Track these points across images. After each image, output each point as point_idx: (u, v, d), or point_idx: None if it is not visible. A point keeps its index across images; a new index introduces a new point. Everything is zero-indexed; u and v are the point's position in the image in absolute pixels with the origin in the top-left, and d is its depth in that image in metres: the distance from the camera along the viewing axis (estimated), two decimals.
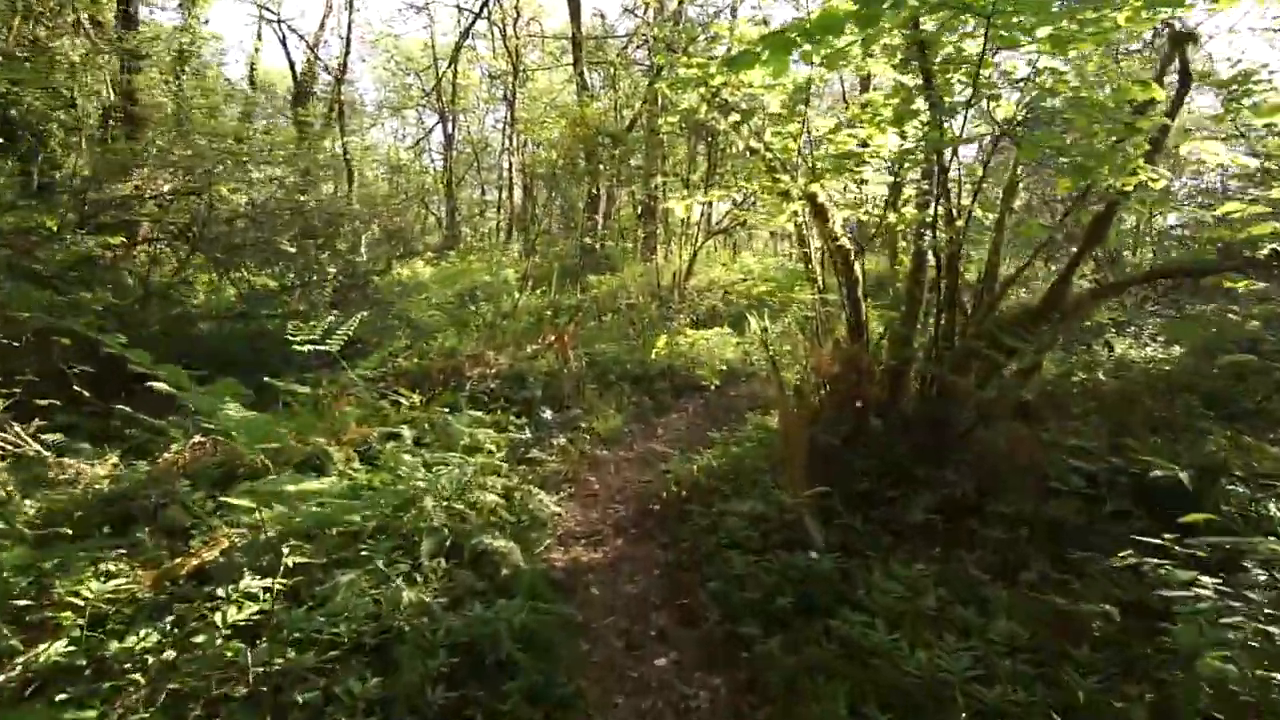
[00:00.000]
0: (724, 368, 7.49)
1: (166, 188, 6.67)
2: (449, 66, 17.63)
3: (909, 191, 4.52)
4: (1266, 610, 1.85)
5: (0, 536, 2.69)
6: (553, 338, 7.02)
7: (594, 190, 14.14)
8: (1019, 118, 3.52)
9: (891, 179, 4.53)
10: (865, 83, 10.61)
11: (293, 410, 4.38)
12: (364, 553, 2.86)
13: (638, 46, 16.15)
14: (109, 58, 8.93)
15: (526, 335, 7.61)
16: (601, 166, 13.41)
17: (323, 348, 4.29)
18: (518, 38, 17.33)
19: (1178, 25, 3.80)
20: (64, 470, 3.38)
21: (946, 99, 3.57)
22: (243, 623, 2.36)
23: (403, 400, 4.92)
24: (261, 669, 2.14)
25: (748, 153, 5.01)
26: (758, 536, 3.41)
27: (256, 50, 17.37)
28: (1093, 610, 2.56)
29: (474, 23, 15.99)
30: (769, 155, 4.55)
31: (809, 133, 4.34)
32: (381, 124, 25.67)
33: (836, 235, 4.27)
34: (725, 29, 5.87)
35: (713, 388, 7.03)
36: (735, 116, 4.62)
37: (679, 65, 4.63)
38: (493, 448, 4.41)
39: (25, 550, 2.55)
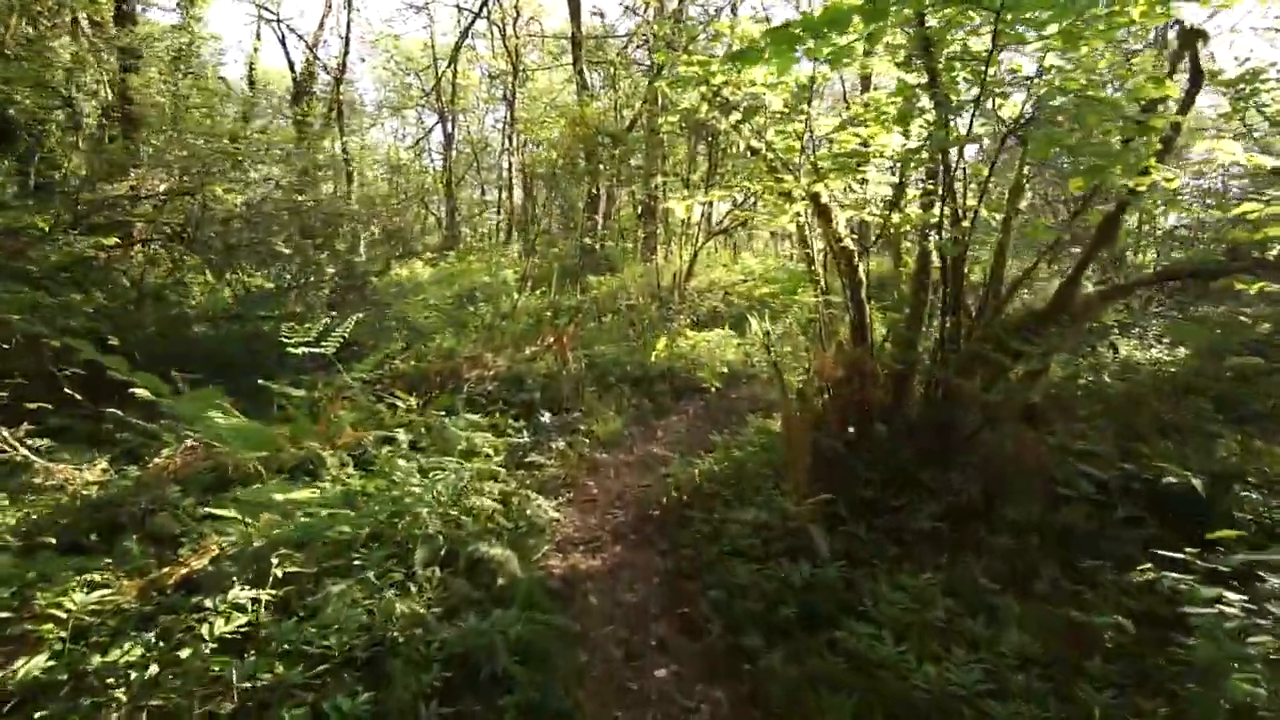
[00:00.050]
0: (725, 370, 7.42)
1: (162, 188, 6.61)
2: (448, 66, 17.57)
3: (913, 192, 4.45)
4: None
5: None
6: (552, 339, 6.95)
7: (594, 190, 14.08)
8: (1027, 116, 3.44)
9: (895, 179, 4.46)
10: (866, 83, 10.55)
11: (287, 413, 4.31)
12: (357, 561, 2.78)
13: (638, 46, 16.09)
14: (107, 57, 8.87)
15: (525, 337, 7.54)
16: (601, 166, 13.35)
17: (318, 350, 4.23)
18: (517, 37, 17.27)
19: (1187, 23, 3.73)
20: (51, 476, 3.30)
21: (952, 97, 3.50)
22: (230, 635, 2.29)
23: (399, 403, 4.85)
24: (248, 684, 2.07)
25: (749, 152, 4.94)
26: (760, 544, 3.34)
27: (255, 50, 17.32)
28: (1106, 622, 2.49)
29: (473, 22, 15.93)
30: (771, 155, 4.48)
31: (811, 132, 4.27)
32: (381, 124, 25.61)
33: (840, 236, 4.20)
34: (726, 27, 5.79)
35: (713, 390, 6.96)
36: (736, 115, 4.55)
37: (679, 64, 4.57)
38: (490, 451, 4.34)
39: (8, 560, 2.48)
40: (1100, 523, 3.35)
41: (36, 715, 1.95)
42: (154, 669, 2.10)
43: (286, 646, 2.29)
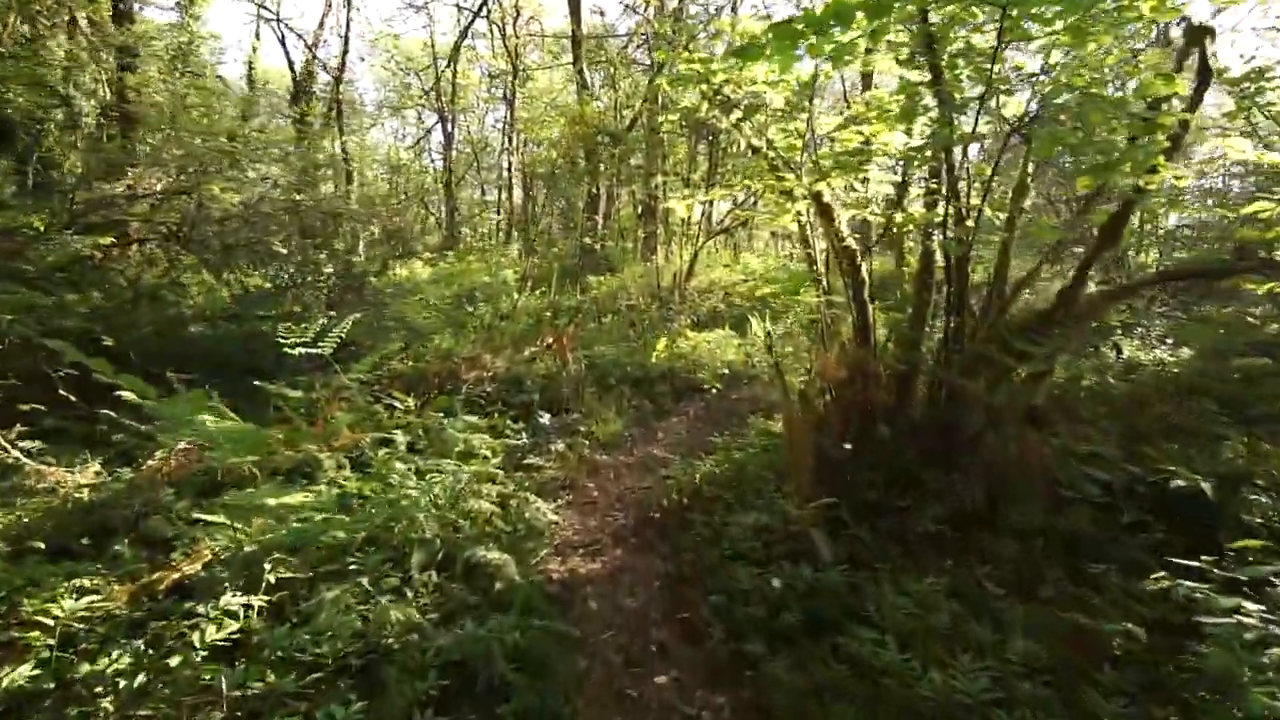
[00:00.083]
0: (725, 370, 7.37)
1: (158, 187, 6.57)
2: (448, 66, 17.55)
3: (916, 190, 4.40)
4: None
5: None
6: (551, 340, 6.90)
7: (594, 190, 14.04)
8: (1032, 114, 3.40)
9: (898, 178, 4.41)
10: (867, 83, 10.51)
11: (284, 415, 4.27)
12: (352, 566, 2.74)
13: (638, 46, 16.05)
14: (106, 57, 8.83)
15: (525, 337, 7.49)
16: (601, 166, 13.31)
17: (315, 350, 4.18)
18: (517, 37, 17.23)
19: (1194, 19, 3.68)
20: (43, 478, 3.26)
21: (956, 95, 3.45)
22: (221, 642, 2.25)
23: (397, 404, 4.81)
24: (238, 693, 2.03)
25: (750, 151, 4.90)
26: (761, 548, 3.29)
27: (255, 50, 17.29)
28: (1115, 629, 2.44)
29: (473, 21, 15.92)
30: (772, 154, 4.43)
31: (813, 131, 4.22)
32: (381, 124, 25.58)
33: (842, 235, 4.15)
34: (727, 25, 5.74)
35: (714, 391, 6.91)
36: (737, 114, 4.51)
37: (680, 62, 4.52)
38: (488, 453, 4.30)
39: None
40: (1106, 526, 3.31)
41: None
42: (143, 677, 2.06)
43: (279, 654, 2.24)
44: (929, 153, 3.74)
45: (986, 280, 4.54)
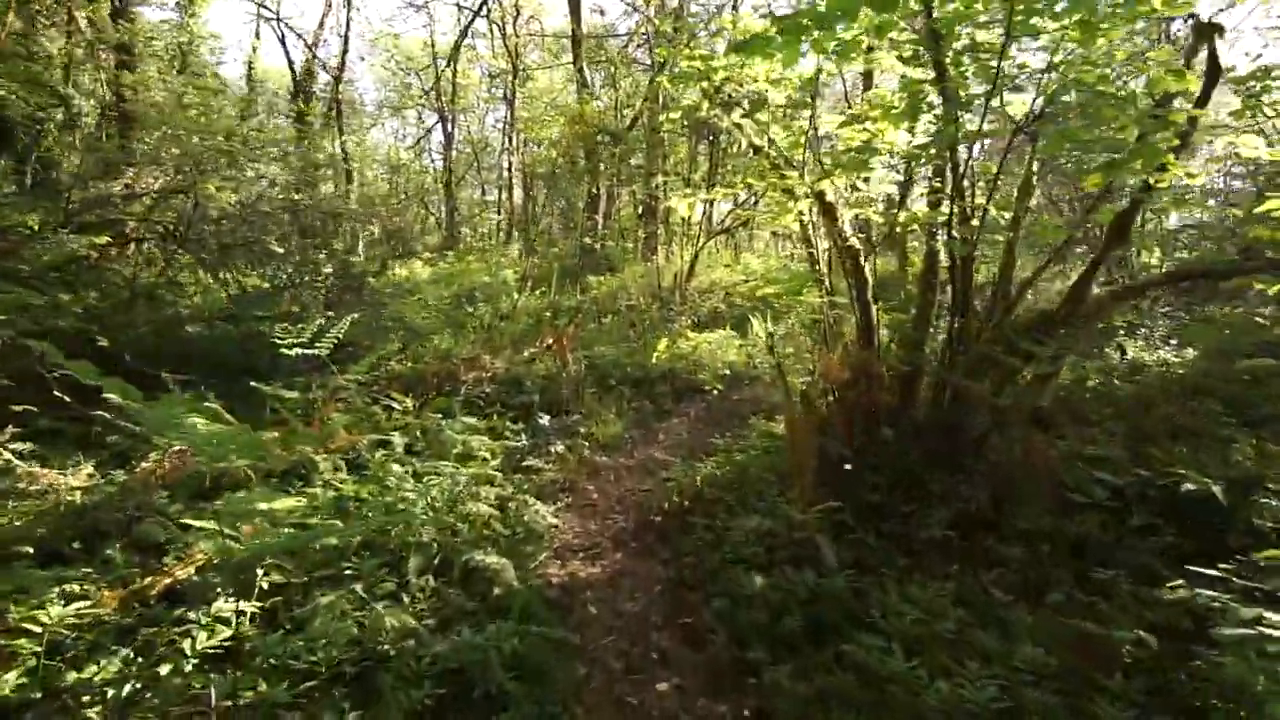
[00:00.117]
0: (726, 371, 7.33)
1: (156, 186, 6.52)
2: (448, 65, 17.51)
3: (919, 190, 4.35)
4: None
5: None
6: (551, 340, 6.85)
7: (594, 190, 13.99)
8: (1039, 111, 3.35)
9: (902, 177, 4.36)
10: (868, 83, 10.46)
11: (280, 416, 4.22)
12: (347, 571, 2.69)
13: (638, 45, 16.01)
14: (105, 56, 8.79)
15: (524, 338, 7.44)
16: (602, 166, 13.26)
17: (311, 351, 4.13)
18: (517, 36, 17.18)
19: (1203, 16, 3.63)
20: (35, 481, 3.21)
21: (962, 92, 3.41)
22: (213, 649, 2.20)
23: (395, 405, 4.76)
24: (228, 702, 1.98)
25: (751, 151, 4.85)
26: (764, 552, 3.24)
27: (254, 49, 17.25)
28: (1125, 636, 2.39)
29: (473, 21, 15.89)
30: (774, 152, 4.38)
31: (816, 129, 4.17)
32: (381, 124, 25.56)
33: (845, 234, 4.10)
34: (729, 23, 5.70)
35: (715, 392, 6.86)
36: (739, 113, 4.46)
37: (681, 59, 4.48)
38: (487, 455, 4.24)
39: None
40: (1114, 531, 3.26)
41: None
42: (131, 686, 2.01)
43: (272, 661, 2.19)
44: (933, 151, 3.70)
45: (990, 280, 4.50)
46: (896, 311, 4.53)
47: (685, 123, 11.25)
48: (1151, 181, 2.94)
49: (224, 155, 6.80)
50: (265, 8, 15.90)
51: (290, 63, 16.80)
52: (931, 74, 3.51)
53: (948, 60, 3.38)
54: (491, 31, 18.14)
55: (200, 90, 8.98)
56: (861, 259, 4.16)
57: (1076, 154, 4.24)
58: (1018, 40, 3.11)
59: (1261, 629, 1.74)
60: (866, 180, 4.32)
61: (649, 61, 14.70)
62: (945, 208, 3.78)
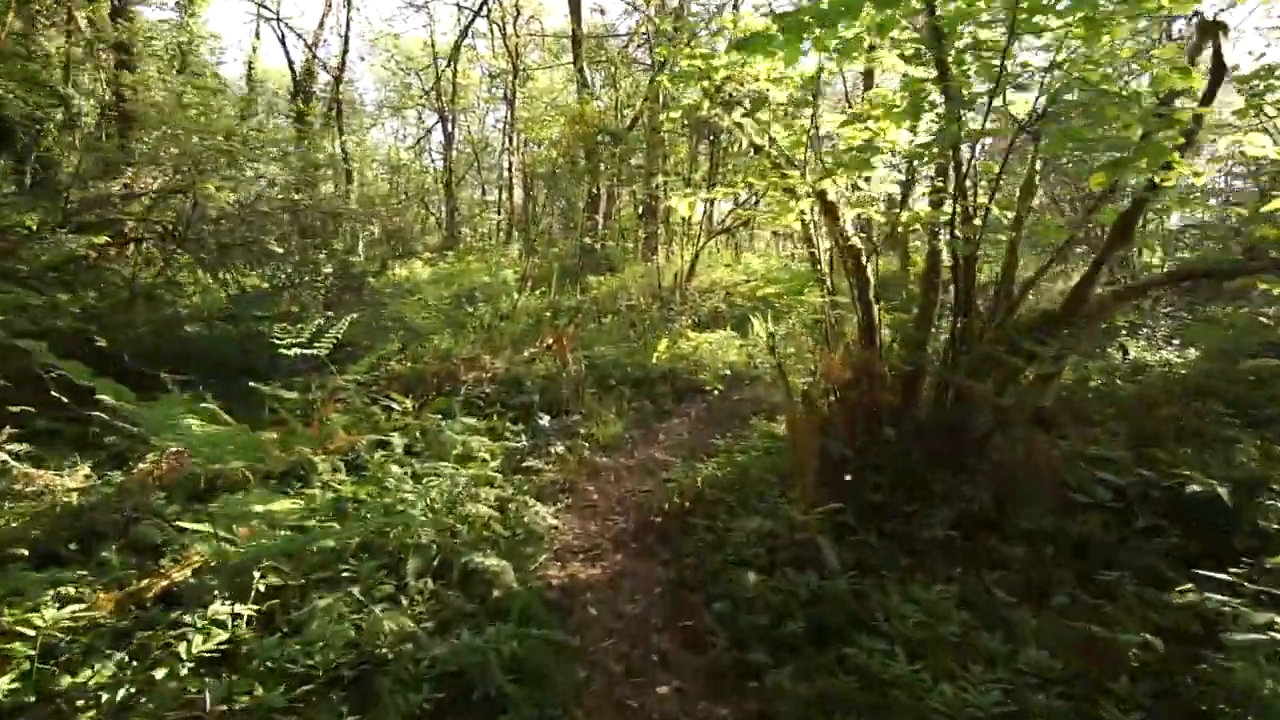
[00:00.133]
0: (727, 371, 7.30)
1: (155, 185, 6.50)
2: (448, 65, 17.50)
3: (921, 189, 4.33)
4: None
5: None
6: (551, 340, 6.83)
7: (594, 190, 13.97)
8: (1042, 110, 3.32)
9: (904, 176, 4.34)
10: (868, 83, 10.44)
11: (279, 417, 4.20)
12: (345, 573, 2.66)
13: (639, 45, 15.99)
14: (105, 56, 8.77)
15: (524, 338, 7.42)
16: (602, 165, 13.24)
17: (310, 351, 4.11)
18: (518, 36, 17.16)
19: (1208, 14, 3.61)
20: (32, 482, 3.19)
21: (965, 91, 3.38)
22: (209, 653, 2.17)
23: (394, 406, 4.74)
24: (224, 707, 1.95)
25: (752, 150, 4.82)
26: (765, 553, 3.22)
27: (254, 49, 17.24)
28: (1131, 639, 2.37)
29: (473, 21, 15.88)
30: (775, 152, 4.36)
31: (817, 128, 4.15)
32: (382, 124, 25.55)
33: (847, 234, 4.08)
34: (730, 21, 5.68)
35: (716, 392, 6.84)
36: (739, 112, 4.44)
37: (681, 57, 4.45)
38: (487, 456, 4.22)
39: None
40: (1118, 533, 3.23)
41: None
42: (126, 691, 1.99)
43: (269, 665, 2.17)
44: (936, 150, 3.67)
45: (993, 280, 4.47)
46: (898, 311, 4.50)
47: (686, 121, 11.23)
48: (1157, 180, 2.91)
49: (223, 155, 6.78)
50: (265, 8, 15.90)
51: (290, 63, 16.79)
52: (933, 73, 3.49)
53: (950, 59, 3.36)
54: (492, 31, 18.15)
55: (200, 90, 8.96)
56: (863, 258, 4.14)
57: (1078, 154, 4.22)
58: (1020, 38, 3.09)
59: (1273, 634, 1.72)
60: (868, 180, 4.30)
61: (649, 61, 14.68)
62: (948, 207, 3.76)
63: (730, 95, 4.53)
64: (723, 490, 4.05)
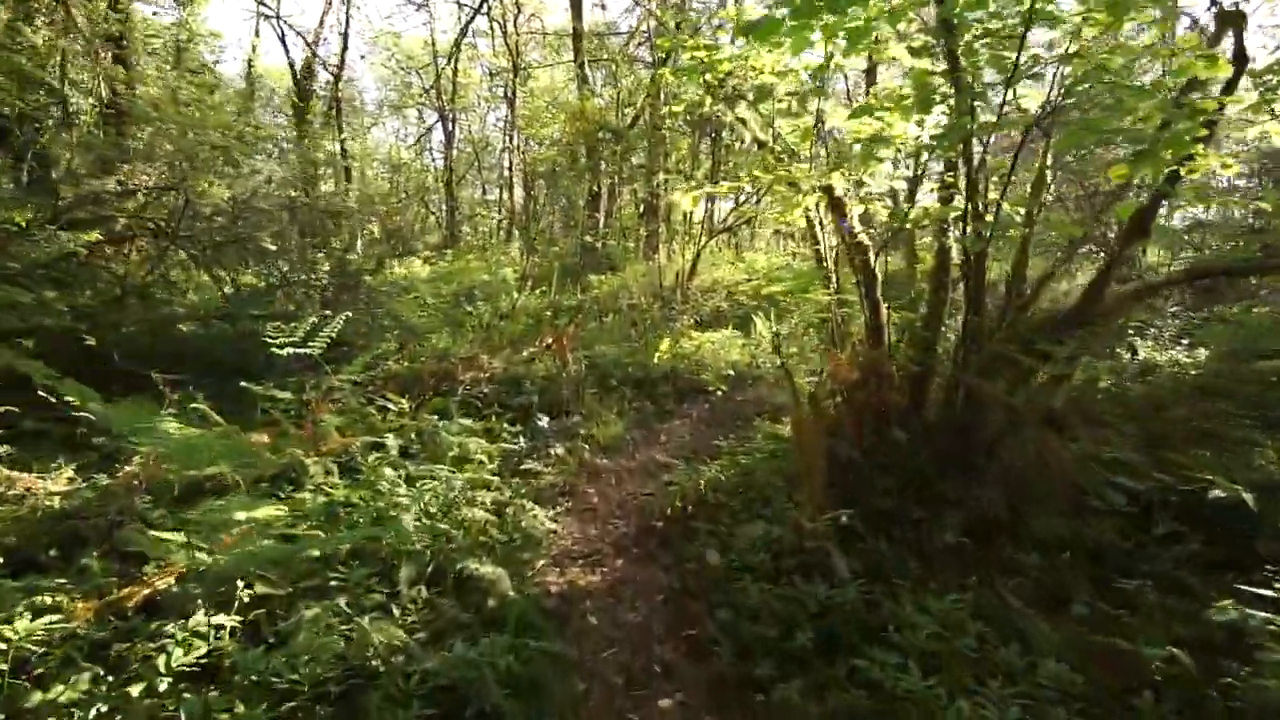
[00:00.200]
0: (730, 371, 7.20)
1: (150, 182, 6.41)
2: (449, 63, 17.39)
3: (930, 185, 4.21)
4: None
5: None
6: (551, 340, 6.72)
7: (595, 188, 13.87)
8: (1057, 103, 3.21)
9: (911, 172, 4.23)
10: (870, 80, 10.33)
11: (271, 417, 4.10)
12: (334, 581, 2.56)
13: (640, 43, 15.88)
14: (103, 53, 8.68)
15: (524, 337, 7.32)
16: (603, 164, 13.14)
17: (304, 350, 4.01)
18: (518, 34, 17.05)
19: (1227, 4, 3.50)
20: (14, 485, 3.09)
21: (976, 84, 3.27)
22: (189, 667, 2.07)
23: (390, 406, 4.64)
24: None
25: (756, 145, 4.72)
26: (770, 560, 3.11)
27: (254, 47, 17.14)
28: (1155, 652, 2.27)
29: (473, 19, 15.77)
30: (779, 147, 4.25)
31: (823, 122, 4.04)
32: (382, 123, 25.45)
33: (854, 230, 3.97)
34: (732, 14, 5.57)
35: (718, 392, 6.73)
36: (742, 106, 4.33)
37: (685, 50, 4.35)
38: (484, 458, 4.12)
39: None
40: (1134, 538, 3.13)
41: None
42: (100, 708, 1.89)
43: (252, 679, 2.07)
44: (946, 144, 3.56)
45: (1003, 278, 4.36)
46: (906, 310, 4.39)
47: (688, 117, 11.11)
48: (1182, 173, 2.81)
49: (219, 151, 6.68)
50: (265, 5, 15.76)
51: (290, 61, 16.67)
52: (943, 65, 3.38)
53: (960, 50, 3.25)
54: (492, 29, 18.01)
55: (197, 86, 8.86)
56: (870, 255, 4.03)
57: (1084, 151, 4.11)
58: (1034, 26, 2.98)
59: None
60: (874, 175, 4.19)
61: (650, 59, 14.57)
62: (958, 203, 3.65)
63: (734, 90, 4.42)
64: (726, 494, 3.95)
